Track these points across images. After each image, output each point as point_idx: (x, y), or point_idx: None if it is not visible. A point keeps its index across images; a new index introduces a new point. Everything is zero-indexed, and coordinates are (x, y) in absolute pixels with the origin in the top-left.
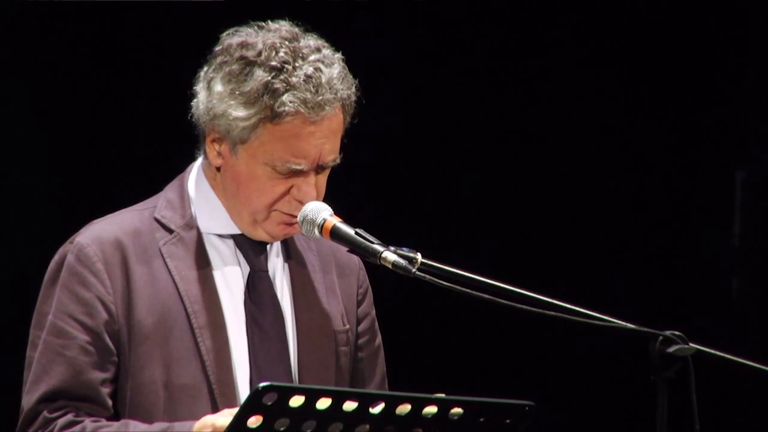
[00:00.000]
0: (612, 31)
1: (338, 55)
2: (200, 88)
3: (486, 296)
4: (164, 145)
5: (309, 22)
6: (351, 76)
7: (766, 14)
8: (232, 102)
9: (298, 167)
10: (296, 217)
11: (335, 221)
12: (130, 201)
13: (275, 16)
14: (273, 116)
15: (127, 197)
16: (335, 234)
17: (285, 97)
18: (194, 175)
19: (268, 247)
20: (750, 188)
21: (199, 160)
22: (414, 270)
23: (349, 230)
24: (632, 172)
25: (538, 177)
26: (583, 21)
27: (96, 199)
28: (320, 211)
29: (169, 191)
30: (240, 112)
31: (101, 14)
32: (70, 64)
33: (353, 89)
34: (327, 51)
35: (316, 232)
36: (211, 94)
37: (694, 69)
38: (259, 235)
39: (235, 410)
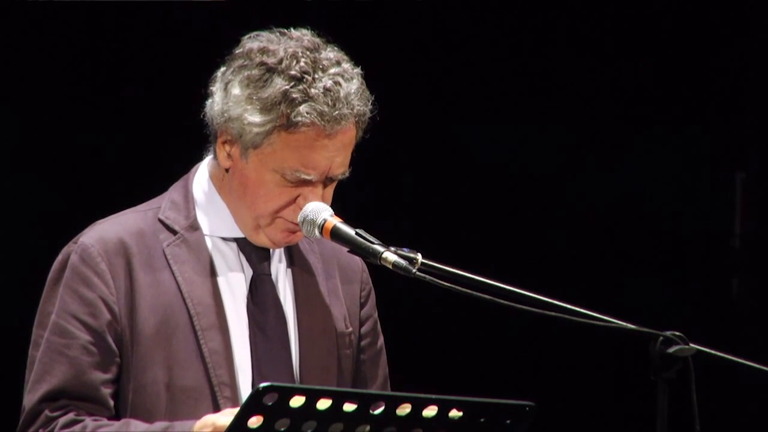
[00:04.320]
0: (612, 32)
1: (357, 70)
2: (216, 89)
3: (486, 296)
4: (168, 146)
5: (309, 23)
6: (368, 92)
7: (767, 14)
8: (248, 107)
9: (308, 177)
10: (299, 225)
11: (336, 222)
12: (134, 201)
13: (275, 17)
14: (288, 125)
15: (131, 197)
16: (335, 234)
17: (302, 108)
18: (199, 177)
19: (270, 250)
20: (750, 189)
21: (205, 161)
22: (414, 270)
23: (350, 231)
24: (633, 172)
25: (539, 177)
26: (583, 22)
27: (99, 199)
28: (320, 212)
29: (174, 192)
30: (256, 118)
31: (107, 14)
32: (73, 63)
33: (369, 105)
34: (347, 65)
35: (317, 232)
36: (228, 96)
37: (694, 69)
38: (261, 240)
39: (237, 410)
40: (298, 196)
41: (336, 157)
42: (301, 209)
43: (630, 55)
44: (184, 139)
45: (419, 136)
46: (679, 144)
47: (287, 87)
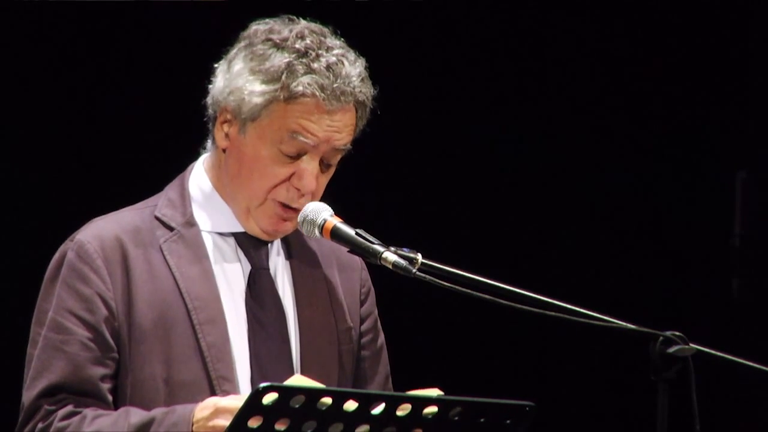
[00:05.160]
0: (613, 31)
1: (362, 60)
2: (220, 70)
3: (486, 296)
4: (165, 145)
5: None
6: (371, 83)
7: (767, 14)
8: (250, 77)
9: (307, 141)
10: (290, 209)
11: (336, 222)
12: (131, 200)
13: (275, 17)
14: (289, 96)
15: (127, 196)
16: (336, 234)
17: (303, 79)
18: (195, 174)
19: (269, 245)
20: (750, 188)
21: (201, 159)
22: (414, 270)
23: (350, 231)
24: (633, 172)
25: (539, 177)
26: (584, 21)
27: (96, 198)
28: (321, 212)
29: (170, 190)
30: (256, 87)
31: (106, 14)
32: (72, 63)
33: (370, 95)
34: (352, 54)
35: (317, 232)
36: (231, 72)
37: (695, 69)
38: (252, 227)
39: (240, 396)
40: (293, 174)
41: (336, 132)
42: (294, 187)
43: (631, 54)
44: (183, 139)
45: (419, 136)
46: (679, 143)
47: (291, 59)
